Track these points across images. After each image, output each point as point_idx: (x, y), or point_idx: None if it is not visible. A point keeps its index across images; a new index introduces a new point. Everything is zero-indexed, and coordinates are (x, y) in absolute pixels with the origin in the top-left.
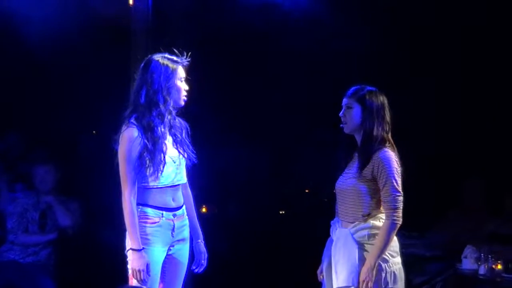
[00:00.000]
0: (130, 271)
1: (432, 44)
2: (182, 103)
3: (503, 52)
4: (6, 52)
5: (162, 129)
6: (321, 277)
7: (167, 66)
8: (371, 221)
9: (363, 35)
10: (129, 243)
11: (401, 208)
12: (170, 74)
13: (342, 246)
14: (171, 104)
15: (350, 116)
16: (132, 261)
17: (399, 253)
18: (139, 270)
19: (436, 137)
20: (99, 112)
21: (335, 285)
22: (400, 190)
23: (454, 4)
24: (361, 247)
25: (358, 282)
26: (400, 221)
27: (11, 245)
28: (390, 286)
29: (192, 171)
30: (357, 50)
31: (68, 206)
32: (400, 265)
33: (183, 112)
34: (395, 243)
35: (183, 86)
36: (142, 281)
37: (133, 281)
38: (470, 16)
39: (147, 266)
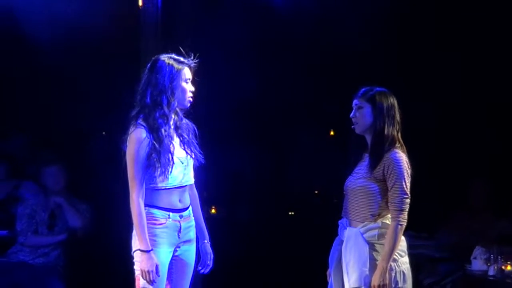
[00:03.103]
0: (136, 272)
1: (433, 43)
2: (188, 104)
3: (506, 50)
4: (16, 54)
5: (167, 130)
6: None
7: (172, 66)
8: (381, 221)
9: (365, 36)
10: (136, 244)
11: (407, 210)
12: (174, 75)
13: (353, 246)
14: (176, 105)
15: (361, 116)
16: (141, 262)
17: (406, 252)
18: (148, 271)
19: (444, 137)
20: (108, 113)
21: (346, 285)
22: (408, 192)
23: (455, 4)
24: (371, 246)
25: (370, 283)
26: (405, 223)
27: (21, 246)
28: (400, 285)
29: (202, 173)
30: (360, 52)
31: (77, 207)
32: (408, 265)
33: (192, 114)
34: (403, 242)
35: (189, 88)
36: (152, 282)
37: (140, 282)
38: (471, 16)
39: (156, 267)
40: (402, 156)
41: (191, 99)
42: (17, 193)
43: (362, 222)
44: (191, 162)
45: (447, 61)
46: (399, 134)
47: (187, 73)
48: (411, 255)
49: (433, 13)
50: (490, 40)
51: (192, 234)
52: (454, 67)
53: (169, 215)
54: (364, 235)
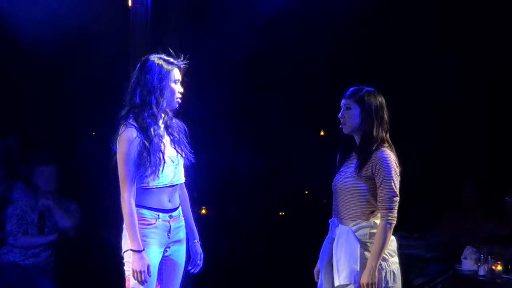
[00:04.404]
0: (127, 273)
1: (431, 43)
2: (176, 105)
3: (503, 51)
4: (5, 53)
5: (156, 129)
6: (318, 276)
7: (161, 67)
8: (373, 220)
9: (361, 35)
10: (126, 244)
11: (396, 208)
12: (164, 75)
13: (344, 243)
14: (165, 105)
15: (349, 117)
16: (133, 263)
17: (396, 252)
18: (140, 271)
19: (435, 138)
20: (98, 113)
21: (336, 282)
22: (397, 190)
23: (454, 3)
24: (362, 245)
25: (359, 281)
26: (394, 221)
27: (11, 247)
28: (390, 285)
29: (193, 173)
30: (354, 50)
31: (67, 208)
32: (398, 265)
33: (183, 114)
34: (393, 242)
35: (177, 88)
36: (143, 282)
37: (130, 283)
38: (470, 16)
39: (148, 267)
40: (390, 155)
41: (179, 100)
42: (7, 194)
43: (354, 221)
44: (181, 161)
45: (444, 60)
46: (388, 135)
47: (176, 74)
48: (402, 255)
49: (431, 12)
50: (489, 40)
51: (182, 234)
52: (451, 67)
53: (158, 215)
54: (356, 234)
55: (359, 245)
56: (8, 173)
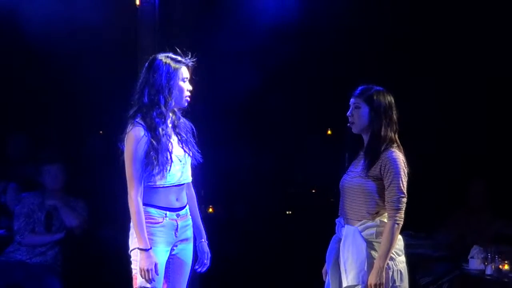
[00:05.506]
0: (134, 271)
1: (432, 43)
2: (185, 103)
3: (504, 51)
4: (13, 53)
5: (165, 129)
6: (326, 276)
7: (169, 65)
8: (379, 219)
9: (364, 36)
10: (133, 242)
11: (404, 209)
12: (171, 74)
13: (351, 244)
14: (173, 104)
15: (358, 116)
16: (141, 261)
17: (403, 251)
18: (147, 270)
19: (442, 137)
20: (105, 112)
21: (344, 283)
22: (405, 191)
23: (454, 3)
24: (369, 245)
25: (367, 281)
26: (402, 222)
27: (18, 245)
28: (397, 284)
29: (200, 172)
30: (358, 50)
31: (74, 206)
32: (405, 264)
33: (189, 113)
34: (400, 241)
35: (186, 87)
36: (150, 281)
37: (137, 281)
38: (470, 16)
39: (155, 265)
40: (399, 155)
41: (188, 98)
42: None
43: (360, 221)
44: (189, 161)
45: (447, 59)
46: (396, 135)
47: (184, 72)
48: (409, 255)
49: (433, 12)
50: (488, 38)
51: (189, 233)
52: (455, 66)
53: (166, 214)
54: (362, 233)
55: (366, 245)
56: (5, 173)
